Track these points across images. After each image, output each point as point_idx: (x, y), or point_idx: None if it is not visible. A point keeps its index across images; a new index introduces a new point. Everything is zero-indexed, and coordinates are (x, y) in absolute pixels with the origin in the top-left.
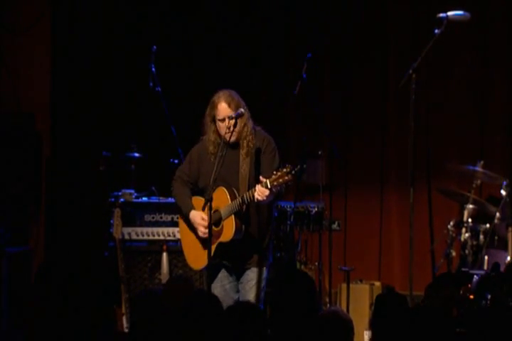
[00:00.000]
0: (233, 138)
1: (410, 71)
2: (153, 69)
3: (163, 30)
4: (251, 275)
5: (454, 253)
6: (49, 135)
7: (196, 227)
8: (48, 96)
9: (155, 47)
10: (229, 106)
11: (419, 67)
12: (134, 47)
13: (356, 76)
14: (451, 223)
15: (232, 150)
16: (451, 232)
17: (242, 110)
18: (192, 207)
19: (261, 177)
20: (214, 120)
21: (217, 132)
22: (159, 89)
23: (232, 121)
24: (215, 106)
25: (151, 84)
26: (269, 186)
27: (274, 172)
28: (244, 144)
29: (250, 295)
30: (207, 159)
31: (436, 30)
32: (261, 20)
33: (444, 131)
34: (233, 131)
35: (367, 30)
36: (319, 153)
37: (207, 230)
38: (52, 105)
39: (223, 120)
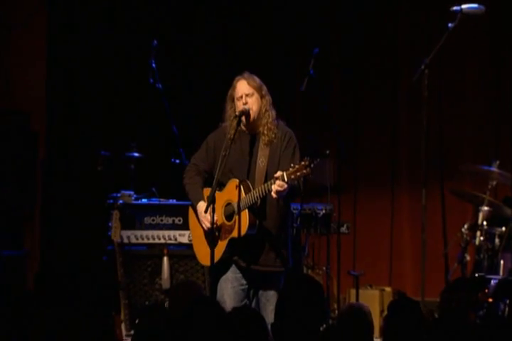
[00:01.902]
0: (251, 116)
1: (422, 67)
2: (154, 65)
3: (164, 23)
4: (268, 285)
5: (468, 258)
6: (45, 134)
7: (201, 220)
8: (43, 94)
9: (156, 41)
10: (248, 83)
11: (431, 63)
12: (134, 42)
13: (366, 72)
14: (466, 226)
15: (250, 140)
16: (465, 235)
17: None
18: (201, 198)
19: (278, 172)
20: (234, 103)
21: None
22: (160, 86)
23: (250, 99)
24: (234, 86)
25: (152, 80)
26: (285, 179)
27: (292, 165)
28: (265, 132)
29: (268, 308)
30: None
31: (449, 24)
32: (266, 14)
33: (458, 129)
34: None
35: (377, 23)
36: (327, 152)
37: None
38: (48, 103)
39: (241, 97)
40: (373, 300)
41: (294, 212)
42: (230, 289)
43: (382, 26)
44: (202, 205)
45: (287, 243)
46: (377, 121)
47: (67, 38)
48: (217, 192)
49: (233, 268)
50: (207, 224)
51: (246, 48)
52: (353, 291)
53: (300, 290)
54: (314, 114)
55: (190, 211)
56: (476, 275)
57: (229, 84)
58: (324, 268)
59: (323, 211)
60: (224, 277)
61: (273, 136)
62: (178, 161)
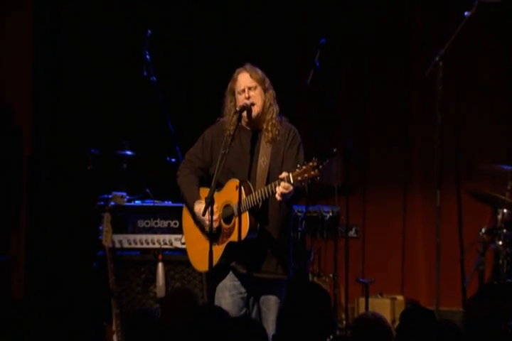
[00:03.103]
0: (255, 111)
1: (437, 58)
2: (148, 56)
3: (159, 11)
4: (269, 293)
5: (486, 264)
6: (30, 131)
7: (200, 220)
8: (29, 87)
9: (150, 31)
10: (250, 76)
11: (446, 55)
12: (126, 31)
13: (376, 64)
14: (483, 229)
15: (251, 137)
16: (483, 240)
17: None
18: (198, 197)
19: (284, 172)
20: (234, 96)
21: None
22: (154, 79)
23: (253, 93)
24: (235, 79)
25: (146, 73)
26: (292, 181)
27: (299, 166)
28: (269, 128)
29: (269, 318)
30: (221, 143)
31: (466, 13)
32: (269, 1)
33: (475, 125)
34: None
35: (388, 12)
36: (334, 150)
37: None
38: (34, 97)
39: (243, 91)
40: (384, 310)
41: (299, 214)
42: (228, 298)
43: (394, 15)
44: (199, 205)
45: (289, 248)
46: (388, 117)
47: (55, 27)
48: (215, 192)
49: (231, 275)
50: (207, 224)
51: (247, 38)
52: (362, 300)
53: (305, 299)
54: (320, 109)
55: (185, 212)
56: (499, 281)
57: (229, 77)
58: (331, 275)
59: (330, 213)
60: (221, 285)
61: (276, 133)
62: (173, 160)
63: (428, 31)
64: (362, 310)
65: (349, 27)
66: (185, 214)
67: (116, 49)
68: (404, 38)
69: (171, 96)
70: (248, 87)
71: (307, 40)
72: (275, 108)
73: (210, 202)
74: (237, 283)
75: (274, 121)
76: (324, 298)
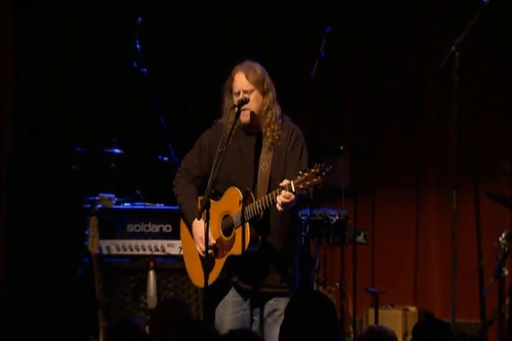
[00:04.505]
0: (246, 118)
1: (453, 48)
2: (138, 46)
3: None
4: (274, 304)
5: (506, 272)
6: (10, 127)
7: (196, 241)
8: (9, 81)
9: (140, 19)
10: (247, 77)
11: (463, 44)
12: (115, 19)
13: (387, 55)
14: (503, 234)
15: (251, 142)
16: (502, 246)
17: (246, 96)
18: (196, 213)
19: (285, 180)
20: (232, 95)
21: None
22: (145, 71)
23: (248, 97)
24: (232, 78)
25: (136, 64)
26: (293, 189)
27: (300, 173)
28: (268, 134)
29: (274, 331)
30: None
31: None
32: None
33: (494, 121)
34: (240, 109)
35: None
36: (341, 148)
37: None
38: (14, 90)
39: (238, 93)
40: (395, 322)
41: (303, 218)
42: (230, 315)
43: (406, 1)
44: (197, 225)
45: (294, 260)
46: (399, 112)
47: (36, 16)
48: (213, 201)
49: (233, 292)
50: (202, 247)
51: (247, 25)
52: (371, 311)
53: (309, 311)
54: (326, 103)
55: (183, 226)
56: None
57: (226, 69)
58: (338, 284)
59: (337, 217)
60: (222, 301)
61: (277, 137)
62: (166, 159)
63: (443, 19)
64: (371, 322)
65: (357, 14)
66: (183, 228)
67: (102, 38)
68: (418, 25)
69: (164, 89)
70: (243, 90)
71: (312, 28)
72: (275, 111)
73: (205, 204)
74: (240, 298)
75: (273, 125)
76: (330, 309)
